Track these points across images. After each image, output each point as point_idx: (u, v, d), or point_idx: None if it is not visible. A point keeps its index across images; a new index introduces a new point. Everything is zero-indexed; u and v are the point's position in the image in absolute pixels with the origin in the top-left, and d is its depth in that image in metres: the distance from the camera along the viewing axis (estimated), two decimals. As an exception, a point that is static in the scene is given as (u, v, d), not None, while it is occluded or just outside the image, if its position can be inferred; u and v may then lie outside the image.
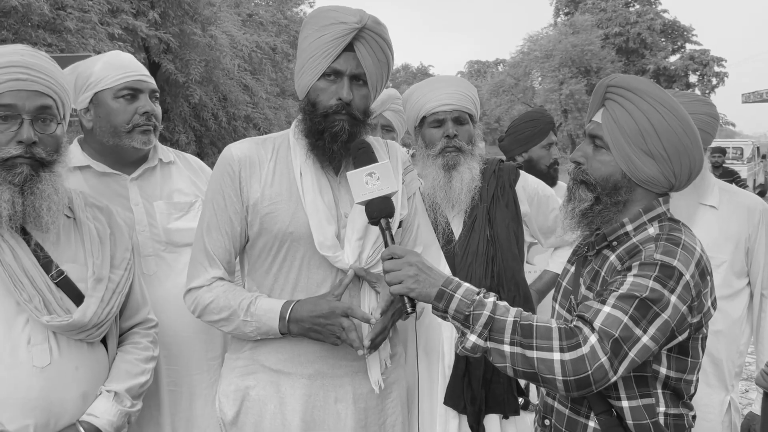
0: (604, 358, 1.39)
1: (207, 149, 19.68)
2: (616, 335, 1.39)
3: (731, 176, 10.19)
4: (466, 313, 1.46)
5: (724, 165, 10.46)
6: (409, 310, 1.56)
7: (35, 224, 1.62)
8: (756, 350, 2.37)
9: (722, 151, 10.75)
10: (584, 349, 1.39)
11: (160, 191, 2.15)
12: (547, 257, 2.70)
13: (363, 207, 1.70)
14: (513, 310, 1.47)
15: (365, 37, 1.74)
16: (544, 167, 3.15)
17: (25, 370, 1.56)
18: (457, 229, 2.34)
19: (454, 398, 2.20)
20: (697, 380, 1.60)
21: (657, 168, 1.55)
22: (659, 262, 1.46)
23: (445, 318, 1.52)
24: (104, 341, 1.74)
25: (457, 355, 2.21)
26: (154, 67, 15.60)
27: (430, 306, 1.58)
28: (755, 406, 2.30)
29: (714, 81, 41.05)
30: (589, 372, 1.38)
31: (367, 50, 1.76)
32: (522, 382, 2.30)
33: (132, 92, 2.07)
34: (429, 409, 2.25)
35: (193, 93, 17.24)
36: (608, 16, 40.59)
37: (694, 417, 1.61)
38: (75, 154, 2.06)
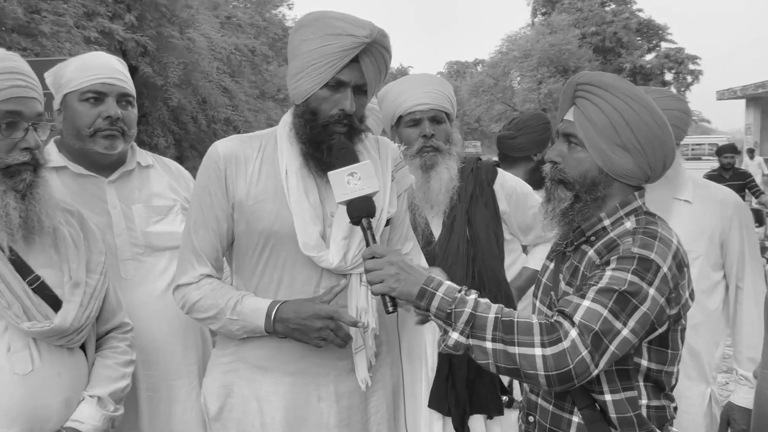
0: (584, 352, 1.39)
1: (186, 152, 19.54)
2: (597, 329, 1.40)
3: (744, 179, 8.86)
4: (448, 311, 1.46)
5: (736, 167, 8.99)
6: (390, 309, 1.55)
7: (37, 228, 1.63)
8: (733, 341, 2.40)
9: (734, 149, 9.20)
10: (565, 344, 1.40)
11: (138, 195, 2.13)
12: (514, 257, 2.69)
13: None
14: (494, 307, 1.47)
15: (371, 50, 1.73)
16: None
17: (7, 377, 1.55)
18: (436, 229, 2.34)
19: (438, 401, 2.20)
20: (678, 372, 1.61)
21: (632, 161, 1.56)
22: (637, 256, 1.47)
23: (427, 317, 1.52)
24: (82, 347, 1.73)
25: (440, 358, 2.21)
26: (131, 71, 15.45)
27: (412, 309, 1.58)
28: (734, 396, 2.32)
29: (689, 79, 41.56)
30: (571, 366, 1.39)
31: (371, 62, 1.75)
32: (505, 380, 2.30)
33: (96, 95, 2.03)
34: (413, 412, 2.24)
35: (172, 96, 17.12)
36: (585, 15, 40.92)
37: (675, 408, 1.63)
38: (52, 154, 2.03)
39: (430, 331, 2.24)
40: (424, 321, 1.66)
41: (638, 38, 41.91)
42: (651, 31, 42.52)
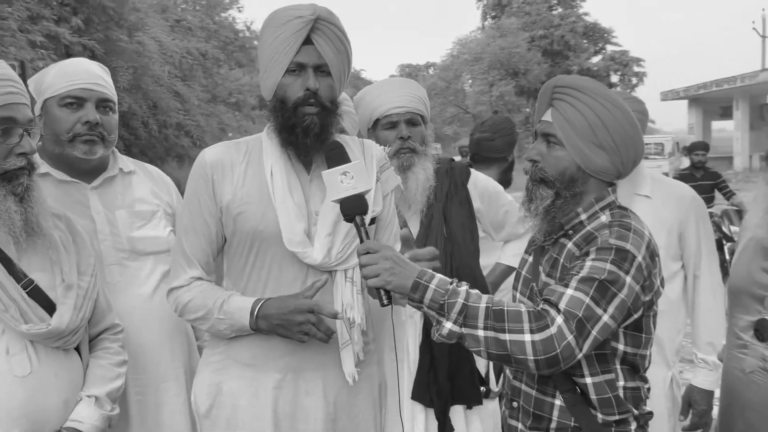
0: (570, 337, 1.49)
1: (137, 158, 19.14)
2: (580, 315, 1.50)
3: (714, 179, 8.17)
4: (441, 302, 1.53)
5: (706, 166, 8.32)
6: (385, 302, 1.61)
7: (36, 231, 1.66)
8: (692, 327, 2.55)
9: (706, 147, 8.59)
10: (552, 330, 1.49)
11: (122, 200, 2.14)
12: (491, 251, 2.80)
13: (337, 205, 1.75)
14: (485, 297, 1.56)
15: (321, 28, 1.80)
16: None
17: (7, 380, 1.57)
18: (414, 228, 2.41)
19: (420, 393, 2.28)
20: (650, 354, 1.73)
21: (608, 158, 1.67)
22: (614, 247, 1.57)
23: (420, 308, 1.59)
24: (77, 348, 1.75)
25: (422, 352, 2.29)
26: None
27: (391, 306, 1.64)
28: (694, 379, 2.47)
29: (634, 80, 42.88)
30: (558, 351, 1.48)
31: (326, 41, 1.81)
32: (482, 371, 2.40)
33: (75, 101, 2.04)
34: (394, 405, 2.30)
35: (122, 101, 16.76)
36: (533, 19, 41.79)
37: (648, 389, 1.74)
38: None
39: (412, 326, 2.32)
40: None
41: (585, 41, 43.04)
42: (597, 35, 43.71)
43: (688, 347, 2.68)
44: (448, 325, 1.53)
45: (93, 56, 16.51)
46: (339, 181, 1.66)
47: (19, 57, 11.87)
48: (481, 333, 1.51)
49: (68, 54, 16.17)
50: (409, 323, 2.32)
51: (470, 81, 40.42)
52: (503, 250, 2.73)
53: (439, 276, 1.58)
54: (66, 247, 1.75)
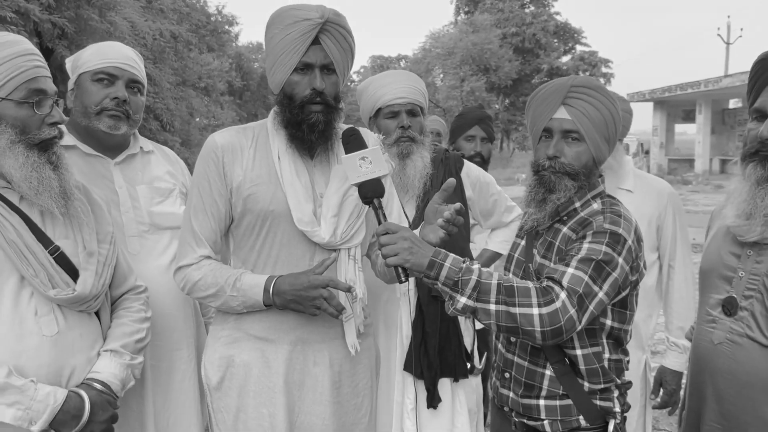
0: (572, 311, 1.64)
1: (105, 140, 18.82)
2: (581, 291, 1.66)
3: None
4: (455, 279, 1.67)
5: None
6: (403, 279, 1.73)
7: (70, 197, 1.74)
8: (665, 313, 2.74)
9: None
10: (557, 304, 1.64)
11: (142, 177, 2.24)
12: (485, 237, 2.97)
13: (341, 188, 1.89)
14: (495, 274, 1.70)
15: (329, 29, 1.91)
16: (467, 157, 3.46)
17: (36, 339, 1.65)
18: (410, 212, 2.55)
19: (411, 365, 2.43)
20: (631, 331, 1.90)
21: (608, 150, 1.85)
22: (609, 231, 1.73)
23: (434, 285, 1.72)
24: (96, 313, 1.84)
25: (414, 328, 2.43)
26: (47, 53, 14.80)
27: (385, 284, 1.74)
28: (665, 361, 2.66)
29: (602, 81, 43.66)
30: (562, 323, 1.63)
31: (332, 41, 1.92)
32: (469, 348, 2.55)
33: (107, 77, 2.15)
34: (386, 375, 2.46)
35: (91, 81, 16.49)
36: (506, 16, 42.21)
37: (628, 362, 1.91)
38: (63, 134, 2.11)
39: (405, 303, 2.46)
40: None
41: (555, 40, 43.62)
42: (567, 34, 44.36)
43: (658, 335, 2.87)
44: (463, 300, 1.67)
45: (63, 34, 16.17)
46: (358, 166, 1.77)
47: (-11, 32, 11.63)
48: (492, 307, 1.66)
49: (37, 31, 15.84)
50: (403, 300, 2.47)
51: (441, 75, 40.66)
52: (491, 237, 2.89)
53: (452, 255, 1.71)
54: (86, 216, 1.83)
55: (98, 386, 1.73)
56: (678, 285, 2.66)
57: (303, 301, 1.86)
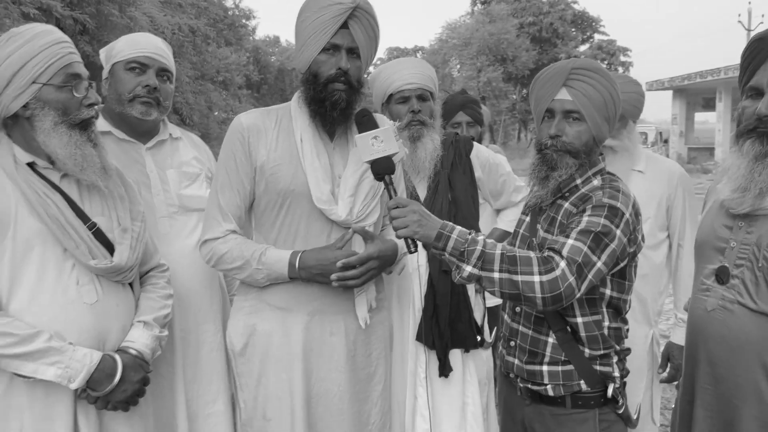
0: (571, 279, 1.74)
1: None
2: (579, 261, 1.76)
3: None
4: (462, 250, 1.78)
5: None
6: (413, 249, 1.85)
7: (109, 173, 1.89)
8: (674, 290, 2.83)
9: None
10: (557, 272, 1.74)
11: (171, 162, 2.39)
12: (487, 217, 3.08)
13: (358, 169, 2.03)
14: (499, 245, 1.80)
15: (358, 15, 2.03)
16: None
17: (78, 307, 1.80)
18: (422, 193, 2.66)
19: (424, 336, 2.55)
20: (630, 300, 2.00)
21: (608, 129, 1.95)
22: (607, 204, 1.83)
23: (441, 255, 1.83)
24: (130, 285, 1.99)
25: (426, 300, 2.55)
26: (69, 49, 15.05)
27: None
28: (673, 336, 2.74)
29: (620, 70, 43.25)
30: (561, 290, 1.73)
31: (360, 27, 2.04)
32: (479, 322, 2.67)
33: (139, 66, 2.29)
34: (400, 346, 2.58)
35: (112, 76, 16.71)
36: (523, 5, 41.95)
37: (627, 330, 2.01)
38: (98, 120, 2.24)
39: (417, 278, 2.58)
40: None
41: (573, 29, 43.29)
42: (585, 23, 44.00)
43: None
44: (468, 269, 1.78)
45: (84, 30, 16.45)
46: (370, 144, 1.89)
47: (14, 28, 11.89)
48: (496, 275, 1.76)
49: (59, 27, 16.11)
50: (415, 275, 2.59)
51: (458, 66, 40.54)
52: (500, 216, 2.99)
53: (458, 228, 1.83)
54: (120, 195, 1.98)
55: (133, 352, 1.88)
56: (686, 263, 2.73)
57: (328, 274, 2.00)
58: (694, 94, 29.70)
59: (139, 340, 1.91)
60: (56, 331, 1.76)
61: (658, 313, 2.83)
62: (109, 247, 1.89)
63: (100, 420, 1.86)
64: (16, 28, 1.85)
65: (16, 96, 1.79)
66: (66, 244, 1.79)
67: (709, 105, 29.67)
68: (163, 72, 2.35)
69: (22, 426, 1.76)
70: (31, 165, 1.83)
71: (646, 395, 2.81)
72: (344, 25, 2.02)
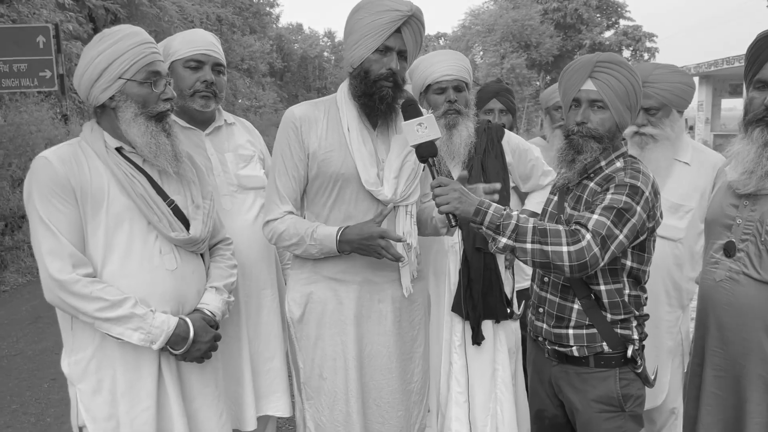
0: (596, 249, 1.96)
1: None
2: (603, 234, 1.98)
3: None
4: (497, 223, 2.01)
5: None
6: (453, 224, 2.08)
7: (180, 159, 2.14)
8: None
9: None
10: (583, 243, 1.96)
11: (228, 145, 2.65)
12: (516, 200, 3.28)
13: (401, 153, 2.28)
14: (531, 219, 2.03)
15: (411, 23, 2.26)
16: None
17: (161, 272, 2.07)
18: (456, 177, 2.89)
19: (458, 307, 2.79)
20: (649, 271, 2.21)
21: (630, 117, 2.16)
22: (629, 184, 2.05)
23: (479, 229, 2.05)
24: (201, 255, 2.25)
25: (461, 275, 2.79)
26: (100, 38, 15.38)
27: (434, 238, 2.06)
28: None
29: (646, 56, 42.78)
30: (587, 259, 1.95)
31: (411, 34, 2.27)
32: (509, 295, 2.90)
33: (196, 63, 2.53)
34: (437, 316, 2.83)
35: (143, 64, 17.03)
36: (547, -9, 41.60)
37: (646, 298, 2.23)
38: None
39: (453, 254, 2.82)
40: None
41: (598, 15, 42.84)
42: (610, 9, 43.50)
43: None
44: (504, 240, 2.01)
45: (116, 19, 16.87)
46: (415, 130, 2.12)
47: (49, 19, 12.28)
48: (529, 246, 1.99)
49: (91, 17, 16.52)
50: (451, 252, 2.83)
51: (481, 53, 40.45)
52: (528, 198, 3.21)
53: (494, 204, 2.05)
54: (192, 177, 2.24)
55: (208, 314, 2.15)
56: None
57: (366, 248, 2.24)
58: (721, 81, 29.33)
59: (213, 303, 2.18)
60: (143, 293, 2.03)
61: (689, 297, 2.91)
62: (185, 222, 2.15)
63: (179, 370, 2.14)
64: (108, 29, 2.10)
65: (104, 89, 2.05)
66: (150, 218, 2.06)
67: (736, 91, 29.28)
68: (217, 66, 2.59)
69: (115, 373, 2.04)
70: (118, 149, 2.10)
71: (675, 377, 2.90)
72: (397, 30, 2.24)
